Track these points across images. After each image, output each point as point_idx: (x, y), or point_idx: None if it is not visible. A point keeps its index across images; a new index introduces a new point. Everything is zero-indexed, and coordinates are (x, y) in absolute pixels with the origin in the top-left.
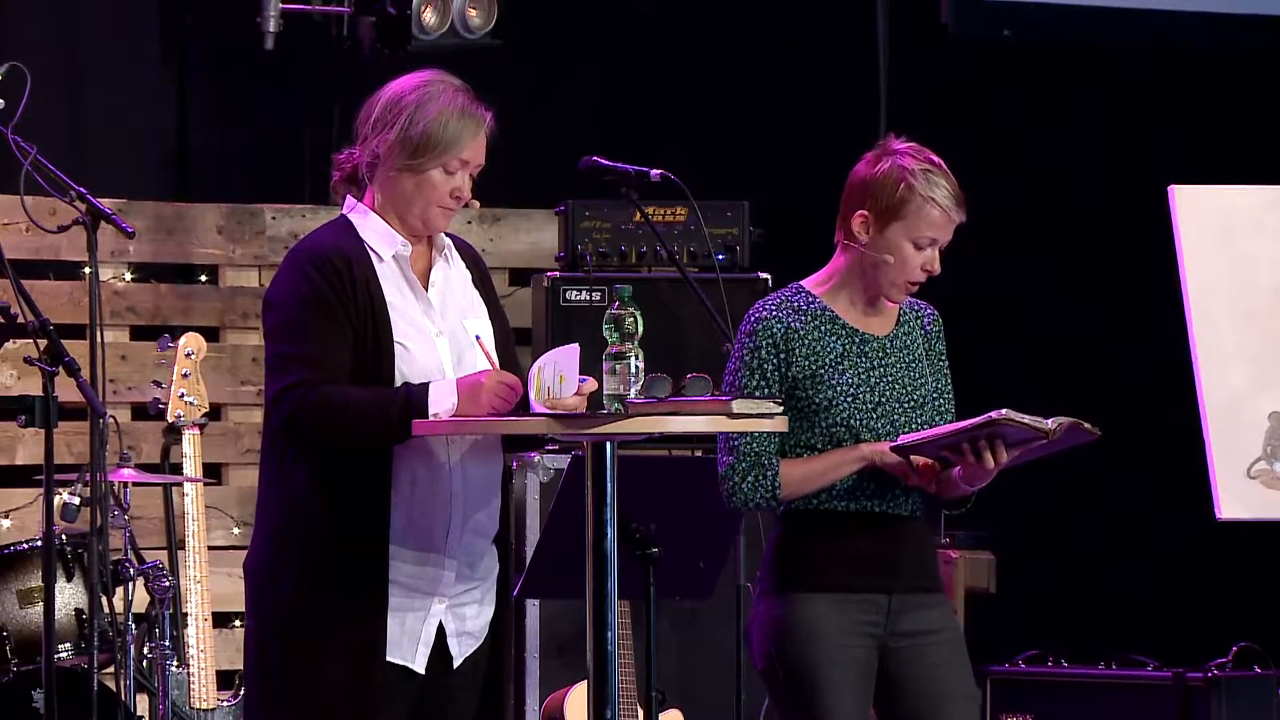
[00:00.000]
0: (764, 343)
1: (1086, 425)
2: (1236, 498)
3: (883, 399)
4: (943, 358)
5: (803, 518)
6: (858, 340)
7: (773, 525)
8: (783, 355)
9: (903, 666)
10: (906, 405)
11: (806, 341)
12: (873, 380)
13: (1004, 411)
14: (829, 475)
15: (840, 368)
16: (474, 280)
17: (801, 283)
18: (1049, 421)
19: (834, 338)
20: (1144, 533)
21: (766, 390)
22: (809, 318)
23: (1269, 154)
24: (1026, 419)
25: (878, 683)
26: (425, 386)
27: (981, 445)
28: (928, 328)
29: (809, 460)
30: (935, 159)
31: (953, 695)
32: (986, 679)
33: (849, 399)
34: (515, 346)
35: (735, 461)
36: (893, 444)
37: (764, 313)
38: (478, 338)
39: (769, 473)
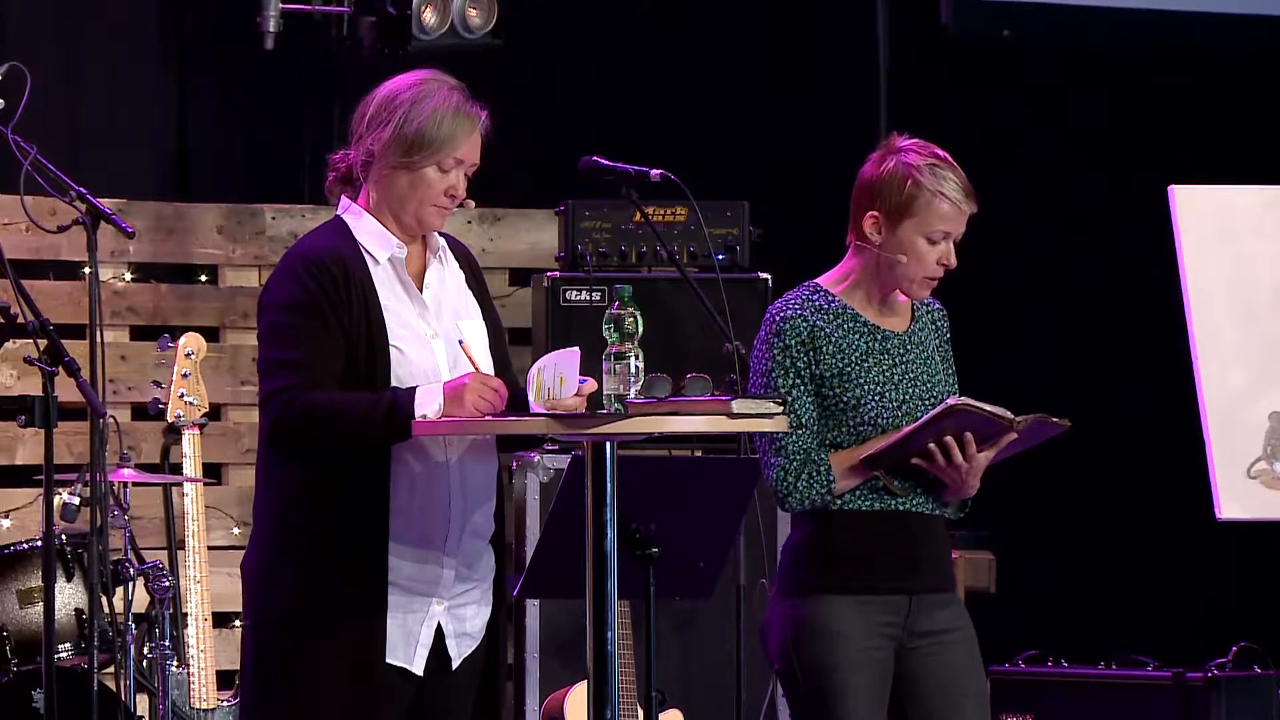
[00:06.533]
0: (793, 341)
1: (1054, 419)
2: (1236, 498)
3: (906, 396)
4: (950, 354)
5: (825, 517)
6: (879, 337)
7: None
8: (811, 353)
9: (918, 667)
10: (927, 402)
11: (833, 339)
12: (896, 377)
13: (962, 399)
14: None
15: (865, 365)
16: (467, 280)
17: (817, 281)
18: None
19: (857, 335)
20: (1144, 533)
21: (802, 388)
22: (832, 316)
23: (1269, 154)
24: (987, 407)
25: (893, 682)
26: (411, 390)
27: (949, 443)
28: (938, 323)
29: (853, 450)
30: (940, 153)
31: (964, 695)
32: (987, 679)
33: (876, 397)
34: (509, 346)
35: (785, 462)
36: (863, 455)
37: (788, 311)
38: (460, 342)
39: (822, 468)
